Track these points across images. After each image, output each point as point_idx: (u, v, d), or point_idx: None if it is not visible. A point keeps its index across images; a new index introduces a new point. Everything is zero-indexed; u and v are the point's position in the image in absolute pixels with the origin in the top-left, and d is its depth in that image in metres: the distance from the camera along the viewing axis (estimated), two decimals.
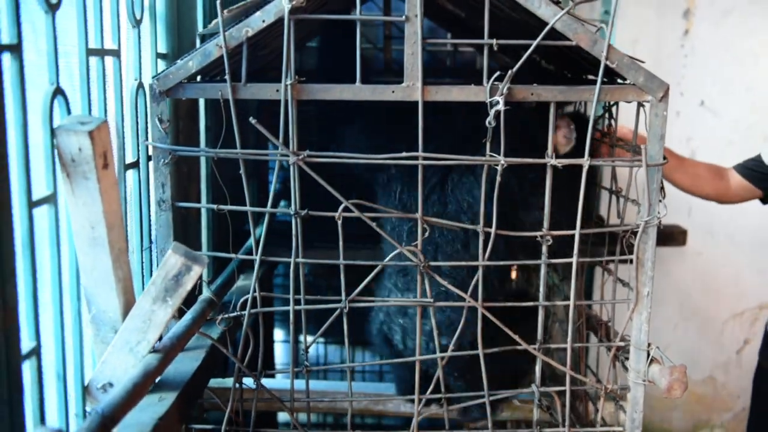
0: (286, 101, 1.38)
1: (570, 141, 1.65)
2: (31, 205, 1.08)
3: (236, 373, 1.52)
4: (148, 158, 1.59)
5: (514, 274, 1.80)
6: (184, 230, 1.76)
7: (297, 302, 1.48)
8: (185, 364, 1.45)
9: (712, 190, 2.48)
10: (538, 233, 1.45)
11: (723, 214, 2.93)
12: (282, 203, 2.41)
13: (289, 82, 1.37)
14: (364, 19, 1.41)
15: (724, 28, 3.23)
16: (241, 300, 1.49)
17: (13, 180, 1.03)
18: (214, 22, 1.43)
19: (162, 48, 1.73)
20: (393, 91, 1.41)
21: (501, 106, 1.34)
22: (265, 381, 1.55)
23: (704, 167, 2.50)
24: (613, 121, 1.77)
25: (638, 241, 1.46)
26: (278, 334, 3.20)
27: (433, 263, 1.52)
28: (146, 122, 1.56)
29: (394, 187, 1.75)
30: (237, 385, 1.53)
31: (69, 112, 1.20)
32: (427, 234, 1.44)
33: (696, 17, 3.24)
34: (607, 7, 2.92)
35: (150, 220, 1.60)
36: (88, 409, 1.27)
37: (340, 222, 1.40)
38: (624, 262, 1.53)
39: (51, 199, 1.15)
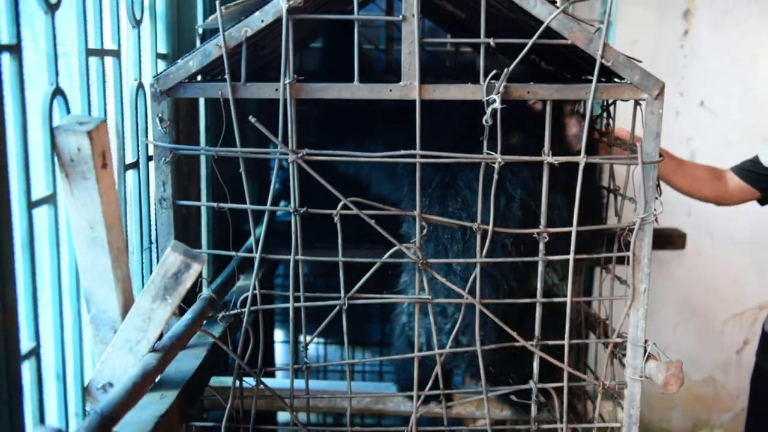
0: (285, 100, 1.39)
1: (581, 139, 1.65)
2: (31, 205, 1.08)
3: (236, 370, 1.53)
4: (148, 158, 1.59)
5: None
6: (185, 230, 1.77)
7: (297, 300, 1.49)
8: (186, 362, 1.46)
9: (711, 192, 2.48)
10: (534, 230, 1.46)
11: (722, 214, 2.93)
12: (282, 203, 2.41)
13: (287, 81, 1.38)
14: (362, 18, 1.42)
15: (723, 28, 3.23)
16: (242, 297, 1.49)
17: (13, 180, 1.03)
18: (212, 17, 1.44)
19: (162, 48, 1.73)
20: (391, 90, 1.42)
21: (497, 105, 1.35)
22: (265, 381, 1.55)
23: (702, 169, 2.50)
24: (611, 121, 1.78)
25: (634, 238, 1.47)
26: (278, 335, 3.20)
27: (443, 261, 1.60)
28: (146, 122, 1.56)
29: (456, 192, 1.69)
30: (237, 383, 1.54)
31: (68, 112, 1.20)
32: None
33: (696, 18, 3.25)
34: (606, 7, 2.92)
35: (150, 221, 1.61)
36: (87, 409, 1.26)
37: (337, 219, 1.41)
38: (622, 260, 1.53)
39: (50, 200, 1.15)
